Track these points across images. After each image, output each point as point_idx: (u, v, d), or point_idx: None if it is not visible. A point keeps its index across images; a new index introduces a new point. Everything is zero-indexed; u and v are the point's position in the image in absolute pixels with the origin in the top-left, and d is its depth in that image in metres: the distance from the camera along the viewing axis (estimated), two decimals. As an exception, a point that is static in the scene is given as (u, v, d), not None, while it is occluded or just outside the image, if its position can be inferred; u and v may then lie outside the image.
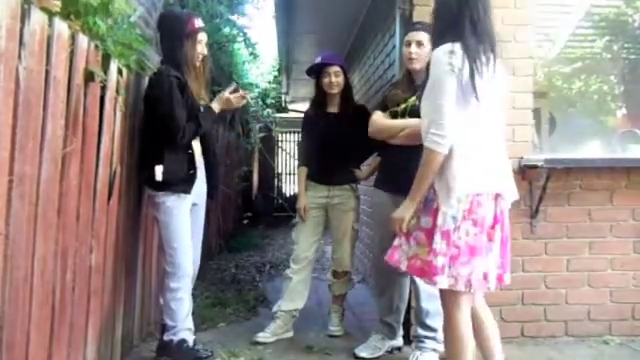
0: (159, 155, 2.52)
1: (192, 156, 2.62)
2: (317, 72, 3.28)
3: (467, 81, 1.93)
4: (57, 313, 1.91)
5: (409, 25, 2.97)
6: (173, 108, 2.50)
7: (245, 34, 5.67)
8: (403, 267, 2.11)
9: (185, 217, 2.60)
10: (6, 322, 1.60)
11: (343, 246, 3.27)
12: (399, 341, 2.98)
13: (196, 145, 2.68)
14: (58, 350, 1.93)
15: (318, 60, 3.28)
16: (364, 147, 3.14)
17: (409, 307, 2.98)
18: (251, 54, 6.13)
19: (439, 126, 1.94)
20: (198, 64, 2.68)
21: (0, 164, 1.53)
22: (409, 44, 2.71)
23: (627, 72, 3.62)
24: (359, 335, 3.13)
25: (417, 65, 2.72)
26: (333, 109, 3.30)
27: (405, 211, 2.07)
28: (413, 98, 2.71)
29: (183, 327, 2.59)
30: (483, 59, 1.97)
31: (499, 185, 2.02)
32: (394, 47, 3.49)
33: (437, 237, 1.95)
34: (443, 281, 1.95)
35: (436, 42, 2.07)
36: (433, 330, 2.73)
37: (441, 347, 2.75)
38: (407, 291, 2.90)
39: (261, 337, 3.09)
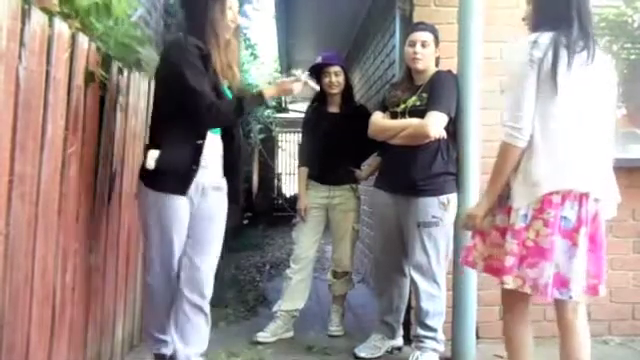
0: (159, 140, 2.13)
1: (200, 148, 2.15)
2: (317, 72, 3.27)
3: (547, 73, 1.84)
4: (57, 313, 1.91)
5: (410, 25, 2.97)
6: (196, 78, 2.05)
7: (245, 34, 5.67)
8: (479, 268, 2.07)
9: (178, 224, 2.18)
10: (6, 322, 1.60)
11: (343, 246, 3.27)
12: (399, 341, 2.98)
13: (214, 139, 2.25)
14: (58, 350, 1.93)
15: (318, 60, 3.28)
16: (364, 147, 3.13)
17: (409, 307, 2.98)
18: (251, 54, 6.14)
19: (516, 119, 1.88)
20: (228, 36, 2.26)
21: (0, 164, 1.53)
22: (414, 44, 2.71)
23: (627, 72, 3.61)
24: (359, 335, 3.12)
25: (421, 65, 2.72)
26: (334, 109, 3.30)
27: (479, 208, 2.02)
28: (413, 98, 2.71)
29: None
30: (577, 50, 1.86)
31: (584, 185, 1.86)
32: (394, 47, 3.50)
33: (508, 236, 1.90)
34: (510, 281, 1.89)
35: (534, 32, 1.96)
36: (433, 330, 2.73)
37: (441, 347, 2.75)
38: (407, 291, 2.90)
39: (261, 337, 3.09)
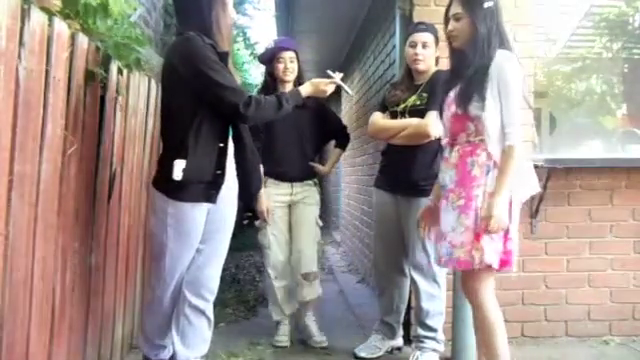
0: (181, 147, 2.00)
1: (224, 151, 2.07)
2: (270, 59, 3.10)
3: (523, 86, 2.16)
4: (57, 313, 1.91)
5: (410, 25, 2.97)
6: (223, 75, 1.99)
7: (245, 34, 5.66)
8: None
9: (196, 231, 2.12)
10: (6, 322, 1.59)
11: (305, 243, 3.06)
12: (399, 341, 2.97)
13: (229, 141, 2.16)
14: (58, 350, 1.93)
15: (271, 45, 3.14)
16: (319, 139, 3.13)
17: (409, 307, 2.98)
18: (251, 54, 6.12)
19: (514, 125, 2.06)
20: (228, 33, 2.18)
21: (0, 164, 1.53)
22: (415, 45, 2.71)
23: (627, 72, 3.62)
24: (359, 335, 3.12)
25: (422, 66, 2.72)
26: None
27: (504, 211, 2.00)
28: (413, 97, 2.71)
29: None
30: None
31: None
32: (394, 47, 3.49)
33: (513, 227, 2.06)
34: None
35: (483, 47, 2.09)
36: (433, 330, 2.73)
37: (441, 347, 2.75)
38: (407, 291, 2.90)
39: (281, 342, 3.05)
